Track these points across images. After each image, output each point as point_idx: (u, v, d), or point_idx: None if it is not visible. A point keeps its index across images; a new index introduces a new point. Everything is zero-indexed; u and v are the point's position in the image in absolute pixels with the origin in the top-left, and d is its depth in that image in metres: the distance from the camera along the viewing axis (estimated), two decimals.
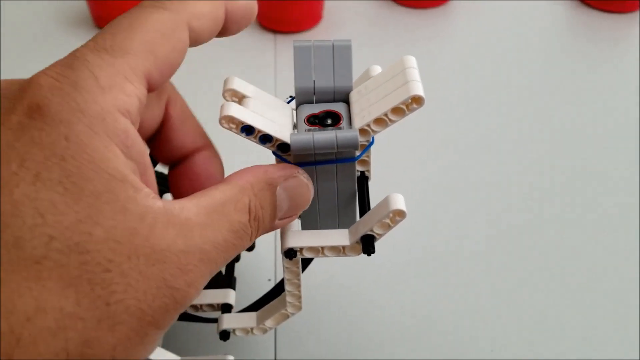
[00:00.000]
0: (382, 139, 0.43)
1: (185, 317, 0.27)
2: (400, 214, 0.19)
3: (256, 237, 0.17)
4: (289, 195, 0.17)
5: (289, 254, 0.20)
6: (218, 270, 0.16)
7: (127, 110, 0.14)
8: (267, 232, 0.17)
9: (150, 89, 0.16)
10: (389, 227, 0.19)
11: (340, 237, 0.20)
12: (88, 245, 0.13)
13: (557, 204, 0.39)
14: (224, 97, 0.19)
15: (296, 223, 0.21)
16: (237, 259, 0.30)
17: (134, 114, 0.15)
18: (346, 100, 0.20)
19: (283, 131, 0.19)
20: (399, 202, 0.19)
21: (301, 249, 0.20)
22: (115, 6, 0.47)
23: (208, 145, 0.21)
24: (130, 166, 0.14)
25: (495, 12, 0.55)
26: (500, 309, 0.33)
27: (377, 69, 0.21)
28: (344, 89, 0.20)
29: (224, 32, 0.18)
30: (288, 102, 0.21)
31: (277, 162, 0.21)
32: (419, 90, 0.18)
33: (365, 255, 0.20)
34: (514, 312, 0.33)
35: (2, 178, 0.13)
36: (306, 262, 0.26)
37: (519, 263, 0.35)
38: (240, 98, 0.19)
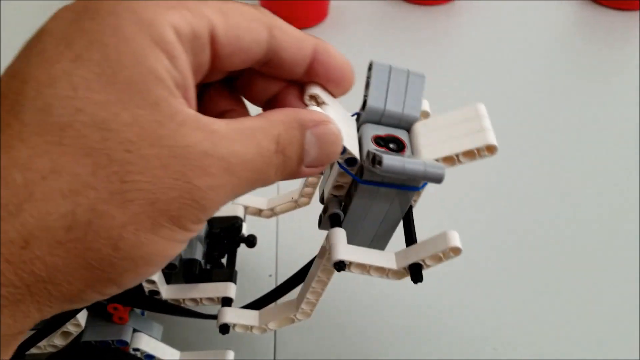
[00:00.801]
0: None
1: (185, 312, 0.27)
2: (456, 251, 0.20)
3: (281, 176, 0.17)
4: (318, 141, 0.17)
5: (339, 266, 0.20)
6: (241, 193, 0.16)
7: (177, 30, 0.15)
8: (292, 175, 0.17)
9: (215, 47, 0.16)
10: (440, 261, 0.20)
11: (388, 259, 0.21)
12: (112, 124, 0.13)
13: (561, 204, 0.38)
14: (305, 101, 0.18)
15: (344, 236, 0.21)
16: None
17: (185, 38, 0.15)
18: (408, 129, 0.20)
19: (354, 146, 0.19)
20: (456, 239, 0.20)
21: (351, 263, 0.21)
22: None
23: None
24: (172, 74, 0.14)
25: (501, 8, 0.55)
26: (501, 308, 0.33)
27: (425, 104, 0.22)
28: (410, 119, 0.20)
29: (317, 76, 0.18)
30: (354, 117, 0.21)
31: (340, 173, 0.21)
32: (494, 140, 0.19)
33: (412, 282, 0.21)
34: (515, 311, 0.33)
35: (48, 55, 0.14)
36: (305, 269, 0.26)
37: (521, 262, 0.35)
38: (319, 104, 0.19)
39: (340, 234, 0.21)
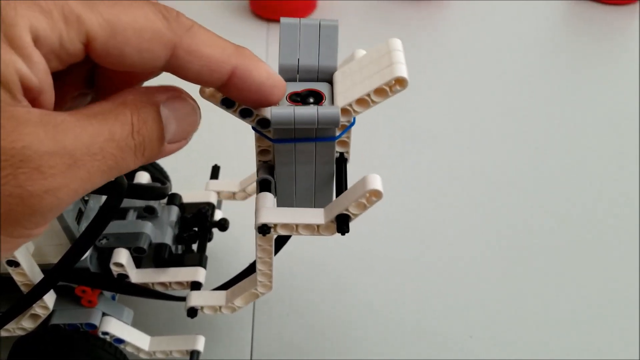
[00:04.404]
0: (373, 129, 0.43)
1: (154, 294, 0.27)
2: (377, 194, 0.19)
3: (143, 158, 0.16)
4: (174, 115, 0.16)
5: (263, 229, 0.20)
6: (93, 186, 0.15)
7: (37, 34, 0.14)
8: (155, 155, 0.16)
9: (93, 57, 0.15)
10: (364, 208, 0.19)
11: (315, 215, 0.20)
12: None
13: (549, 198, 0.38)
14: None
15: (271, 199, 0.21)
16: (210, 238, 0.30)
17: (44, 41, 0.14)
18: (330, 81, 0.20)
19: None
20: (376, 182, 0.19)
21: (275, 225, 0.20)
22: None
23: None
24: (26, 77, 0.14)
25: (493, 4, 0.54)
26: (475, 299, 0.32)
27: (362, 53, 0.21)
28: (328, 69, 0.20)
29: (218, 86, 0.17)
30: None
31: (257, 137, 0.21)
32: (402, 72, 0.18)
33: (339, 234, 0.20)
34: (489, 300, 0.32)
35: None
36: (281, 242, 0.26)
37: (495, 252, 0.35)
38: None
39: (265, 197, 0.21)
